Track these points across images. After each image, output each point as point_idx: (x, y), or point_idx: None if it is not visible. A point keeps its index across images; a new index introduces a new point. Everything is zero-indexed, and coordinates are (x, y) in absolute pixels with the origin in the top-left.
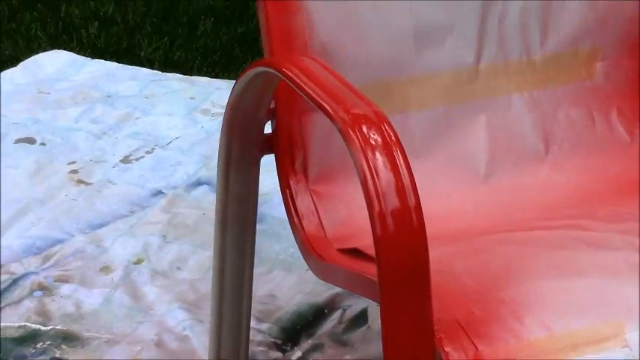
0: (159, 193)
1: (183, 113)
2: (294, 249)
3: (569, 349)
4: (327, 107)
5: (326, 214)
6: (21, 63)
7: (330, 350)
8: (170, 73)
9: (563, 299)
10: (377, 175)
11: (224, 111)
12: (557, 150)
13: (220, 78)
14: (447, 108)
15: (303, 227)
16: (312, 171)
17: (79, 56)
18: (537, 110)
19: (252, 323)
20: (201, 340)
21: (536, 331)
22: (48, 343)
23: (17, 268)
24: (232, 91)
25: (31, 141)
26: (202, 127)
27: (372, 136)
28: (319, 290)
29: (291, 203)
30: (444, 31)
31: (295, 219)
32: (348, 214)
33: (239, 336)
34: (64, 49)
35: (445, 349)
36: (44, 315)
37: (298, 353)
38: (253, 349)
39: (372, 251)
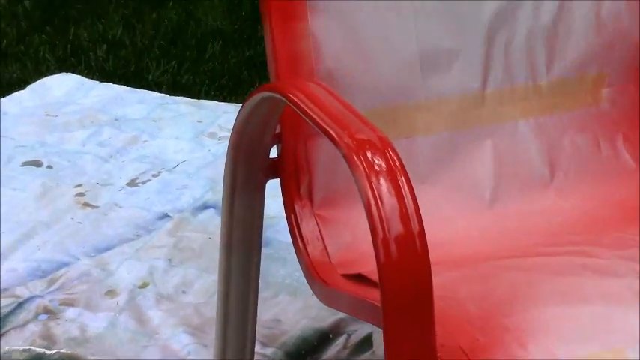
0: (165, 216)
1: (190, 137)
2: (299, 273)
3: None
4: (332, 132)
5: (331, 240)
6: (29, 86)
7: None
8: (178, 97)
9: (568, 326)
10: (381, 201)
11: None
12: (562, 176)
13: (228, 101)
14: (452, 133)
15: (307, 252)
16: (317, 196)
17: (87, 79)
18: (543, 136)
19: (257, 347)
20: None
21: (540, 358)
22: None
23: (22, 292)
24: (238, 115)
25: (37, 164)
26: (209, 150)
27: (376, 161)
28: (324, 315)
29: (296, 228)
30: (451, 57)
31: (300, 244)
32: (352, 240)
33: None
34: (73, 72)
35: None
36: (49, 338)
37: None
38: None
39: (376, 277)
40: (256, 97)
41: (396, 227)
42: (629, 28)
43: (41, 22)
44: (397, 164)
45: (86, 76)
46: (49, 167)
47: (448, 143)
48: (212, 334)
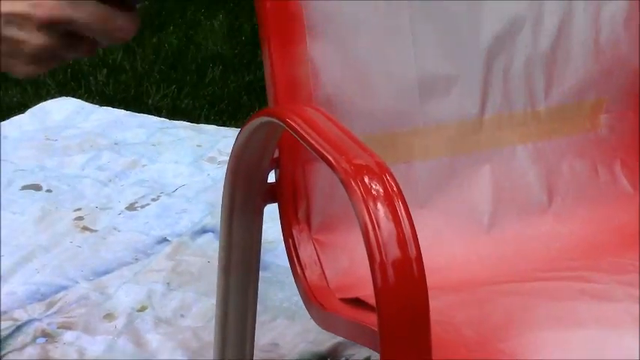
0: (164, 240)
1: (189, 161)
2: (297, 297)
3: None
4: (330, 157)
5: (328, 264)
6: (29, 110)
7: None
8: (177, 121)
9: (562, 350)
10: (378, 226)
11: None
12: (560, 201)
13: (228, 126)
14: (451, 158)
15: (305, 276)
16: (315, 220)
17: (86, 103)
18: (541, 161)
19: None
20: None
21: None
22: None
23: (21, 315)
24: (236, 140)
25: (37, 187)
26: (208, 174)
27: (373, 186)
28: (322, 339)
29: (293, 252)
30: (449, 82)
31: (298, 268)
32: (350, 264)
33: None
34: (73, 96)
35: None
36: None
37: None
38: None
39: (373, 301)
40: (255, 122)
41: (393, 252)
42: (627, 55)
43: None
44: (394, 189)
45: (86, 100)
46: (49, 191)
47: (446, 168)
48: (210, 358)
